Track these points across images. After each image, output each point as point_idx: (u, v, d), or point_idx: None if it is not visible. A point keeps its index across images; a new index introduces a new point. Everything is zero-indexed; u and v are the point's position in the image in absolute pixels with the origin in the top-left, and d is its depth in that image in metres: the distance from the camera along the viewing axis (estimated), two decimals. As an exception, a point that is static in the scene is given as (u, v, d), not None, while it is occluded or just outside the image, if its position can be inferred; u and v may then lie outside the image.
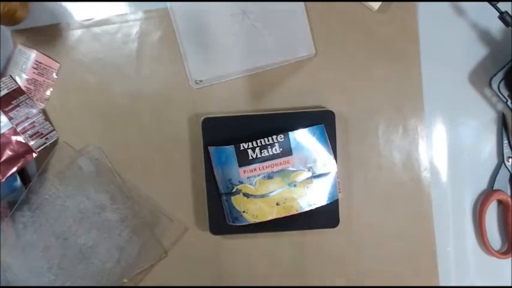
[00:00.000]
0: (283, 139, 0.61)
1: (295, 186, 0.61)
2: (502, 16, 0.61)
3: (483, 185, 0.67)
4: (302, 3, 0.64)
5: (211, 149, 0.62)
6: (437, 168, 0.66)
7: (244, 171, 0.61)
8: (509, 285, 0.67)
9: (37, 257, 0.62)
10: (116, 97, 0.65)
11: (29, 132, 0.62)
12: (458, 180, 0.66)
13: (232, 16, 0.63)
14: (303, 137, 0.61)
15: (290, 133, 0.61)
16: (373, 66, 0.65)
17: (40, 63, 0.64)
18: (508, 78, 0.62)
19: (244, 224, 0.62)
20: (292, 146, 0.61)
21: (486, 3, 0.61)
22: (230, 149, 0.61)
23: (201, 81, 0.65)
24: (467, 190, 0.67)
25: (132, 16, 0.65)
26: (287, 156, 0.61)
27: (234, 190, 0.61)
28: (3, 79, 0.62)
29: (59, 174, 0.64)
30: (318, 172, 0.61)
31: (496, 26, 0.64)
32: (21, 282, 0.62)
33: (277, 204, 0.61)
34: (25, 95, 0.63)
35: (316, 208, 0.62)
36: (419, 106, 0.66)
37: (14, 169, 0.61)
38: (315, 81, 0.65)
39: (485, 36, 0.65)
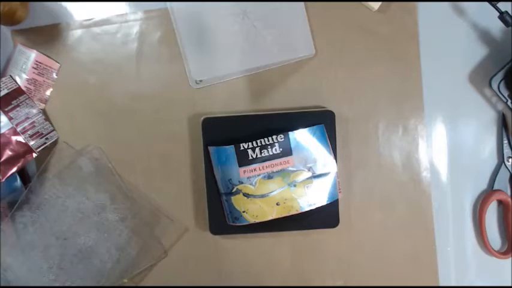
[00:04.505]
0: (283, 139, 0.61)
1: (295, 186, 0.61)
2: (502, 16, 0.61)
3: (483, 185, 0.67)
4: (302, 3, 0.64)
5: (211, 149, 0.62)
6: (437, 168, 0.66)
7: (244, 171, 0.61)
8: (509, 285, 0.67)
9: (37, 257, 0.62)
10: (116, 97, 0.65)
11: (29, 132, 0.62)
12: (458, 180, 0.66)
13: (232, 16, 0.63)
14: (303, 137, 0.61)
15: (290, 133, 0.61)
16: (373, 66, 0.65)
17: (40, 63, 0.64)
18: (508, 78, 0.62)
19: (244, 224, 0.62)
20: (292, 146, 0.61)
21: (486, 3, 0.61)
22: (230, 149, 0.61)
23: (201, 81, 0.65)
24: (467, 190, 0.67)
25: (132, 16, 0.65)
26: (287, 156, 0.61)
27: (234, 190, 0.61)
28: (3, 79, 0.62)
29: (59, 174, 0.64)
30: (318, 172, 0.62)
31: (496, 26, 0.64)
32: (21, 282, 0.62)
33: (277, 204, 0.61)
34: (25, 95, 0.62)
35: (316, 208, 0.62)
36: (419, 106, 0.66)
37: (14, 169, 0.61)
38: (315, 81, 0.65)
39: (485, 36, 0.65)
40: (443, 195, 0.66)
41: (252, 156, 0.61)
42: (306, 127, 0.61)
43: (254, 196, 0.61)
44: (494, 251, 0.66)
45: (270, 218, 0.61)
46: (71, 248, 0.62)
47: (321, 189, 0.62)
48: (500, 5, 0.61)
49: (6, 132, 0.61)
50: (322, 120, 0.63)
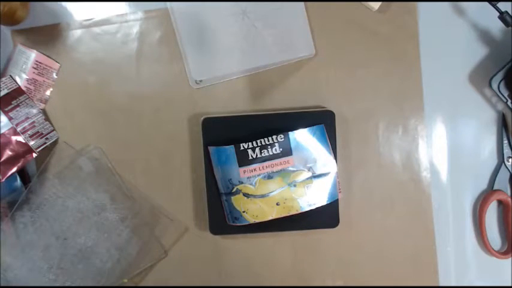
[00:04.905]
0: (283, 139, 0.61)
1: (295, 186, 0.61)
2: (502, 16, 0.61)
3: (483, 185, 0.67)
4: (302, 3, 0.64)
5: (211, 149, 0.62)
6: (437, 168, 0.66)
7: (244, 171, 0.61)
8: (509, 285, 0.67)
9: (37, 257, 0.62)
10: (116, 97, 0.65)
11: (29, 132, 0.62)
12: (458, 180, 0.66)
13: (232, 16, 0.63)
14: (303, 137, 0.61)
15: (290, 133, 0.61)
16: (373, 66, 0.65)
17: (40, 63, 0.64)
18: (508, 78, 0.62)
19: (244, 224, 0.62)
20: (292, 146, 0.61)
21: (486, 3, 0.61)
22: (230, 149, 0.61)
23: (201, 81, 0.65)
24: (467, 190, 0.67)
25: (132, 16, 0.65)
26: (287, 156, 0.61)
27: (234, 190, 0.61)
28: (3, 79, 0.62)
29: (59, 174, 0.64)
30: (318, 172, 0.61)
31: (496, 26, 0.64)
32: (21, 282, 0.62)
33: (277, 204, 0.61)
34: (25, 95, 0.62)
35: (316, 208, 0.62)
36: (419, 106, 0.66)
37: (14, 169, 0.61)
38: (315, 81, 0.65)
39: (485, 36, 0.65)
40: (443, 195, 0.66)
41: (252, 156, 0.61)
42: (306, 127, 0.61)
43: (254, 196, 0.61)
44: (494, 251, 0.66)
45: (270, 218, 0.61)
46: (71, 248, 0.62)
47: (321, 189, 0.62)
48: (500, 5, 0.61)
49: (6, 132, 0.61)
50: (322, 120, 0.63)
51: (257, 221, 0.61)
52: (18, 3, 0.61)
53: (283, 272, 0.66)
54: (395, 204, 0.66)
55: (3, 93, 0.61)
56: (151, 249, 0.65)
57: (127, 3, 0.65)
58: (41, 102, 0.65)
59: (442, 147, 0.66)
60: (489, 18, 0.62)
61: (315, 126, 0.62)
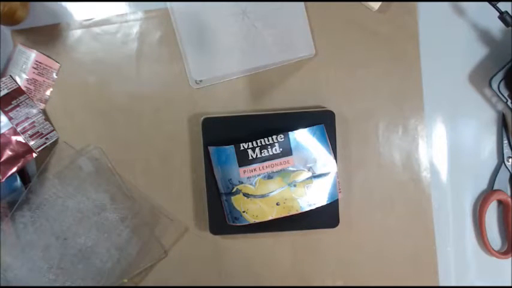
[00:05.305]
0: (283, 139, 0.61)
1: (295, 186, 0.61)
2: (502, 16, 0.61)
3: (483, 185, 0.67)
4: (302, 3, 0.64)
5: (211, 149, 0.62)
6: (437, 168, 0.66)
7: (244, 171, 0.61)
8: (509, 285, 0.67)
9: (37, 257, 0.62)
10: (116, 97, 0.65)
11: (29, 132, 0.62)
12: (458, 180, 0.66)
13: (232, 16, 0.63)
14: (303, 137, 0.61)
15: (290, 133, 0.61)
16: (373, 66, 0.65)
17: (40, 63, 0.64)
18: (508, 78, 0.62)
19: (244, 224, 0.62)
20: (292, 146, 0.61)
21: (486, 3, 0.61)
22: (230, 149, 0.61)
23: (201, 81, 0.65)
24: (467, 190, 0.67)
25: (132, 16, 0.65)
26: (287, 156, 0.61)
27: (234, 190, 0.61)
28: (3, 79, 0.62)
29: (59, 174, 0.64)
30: (318, 172, 0.61)
31: (496, 26, 0.64)
32: (21, 282, 0.62)
33: (277, 204, 0.61)
34: (25, 95, 0.62)
35: (316, 208, 0.62)
36: (419, 106, 0.66)
37: (14, 169, 0.61)
38: (315, 81, 0.65)
39: (485, 36, 0.65)
40: (443, 195, 0.66)
41: (252, 156, 0.61)
42: (306, 127, 0.61)
43: (254, 196, 0.61)
44: (494, 251, 0.66)
45: (270, 218, 0.61)
46: (71, 248, 0.62)
47: (321, 189, 0.62)
48: (500, 5, 0.61)
49: (6, 132, 0.61)
50: (322, 120, 0.63)
51: (257, 221, 0.61)
52: (18, 3, 0.61)
53: (283, 272, 0.66)
54: (395, 204, 0.66)
55: (3, 93, 0.61)
56: (151, 249, 0.65)
57: (127, 3, 0.65)
58: (41, 102, 0.65)
59: (442, 147, 0.66)
60: (489, 18, 0.62)
61: (315, 126, 0.62)
